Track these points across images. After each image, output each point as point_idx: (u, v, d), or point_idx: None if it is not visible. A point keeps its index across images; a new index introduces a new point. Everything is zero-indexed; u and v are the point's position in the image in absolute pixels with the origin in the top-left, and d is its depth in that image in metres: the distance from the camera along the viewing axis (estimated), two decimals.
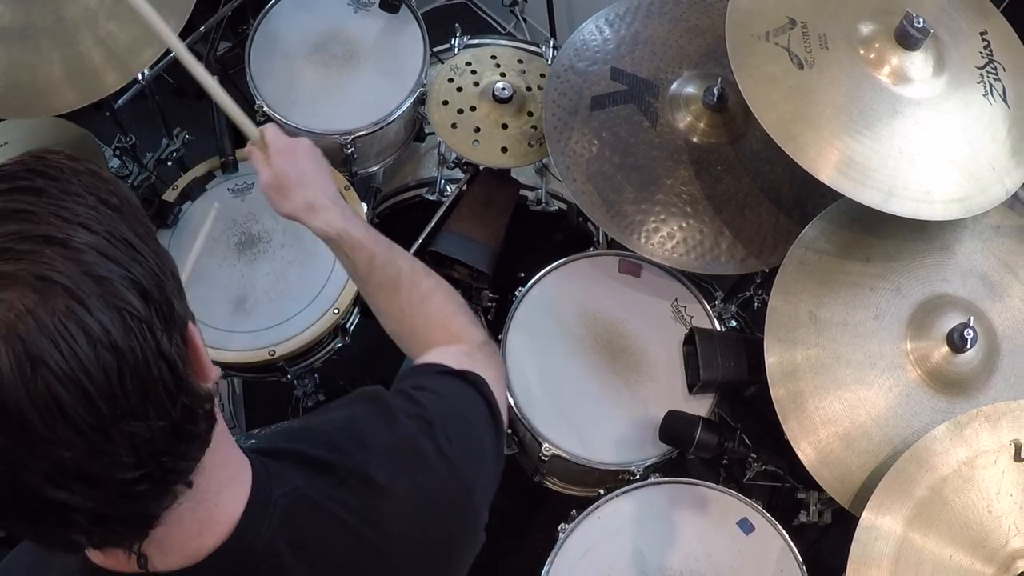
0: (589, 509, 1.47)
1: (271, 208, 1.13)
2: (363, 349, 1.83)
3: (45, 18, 1.52)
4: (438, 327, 1.05)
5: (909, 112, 1.36)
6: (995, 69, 1.44)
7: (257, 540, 0.75)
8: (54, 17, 1.52)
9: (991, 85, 1.43)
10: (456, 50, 1.91)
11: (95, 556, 0.72)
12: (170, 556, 0.71)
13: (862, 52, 1.39)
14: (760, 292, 1.85)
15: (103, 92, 1.56)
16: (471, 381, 0.95)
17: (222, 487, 0.73)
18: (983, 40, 1.46)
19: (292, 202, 1.11)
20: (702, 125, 1.61)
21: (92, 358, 0.58)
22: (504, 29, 2.89)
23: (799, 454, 1.34)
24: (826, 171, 1.30)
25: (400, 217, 1.97)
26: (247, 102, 1.81)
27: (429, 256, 1.77)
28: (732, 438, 1.50)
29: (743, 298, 1.88)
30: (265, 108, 1.78)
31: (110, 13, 1.53)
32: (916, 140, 1.35)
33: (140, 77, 1.76)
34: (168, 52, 1.75)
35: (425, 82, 1.83)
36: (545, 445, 1.53)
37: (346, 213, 1.11)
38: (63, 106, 1.55)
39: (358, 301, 1.73)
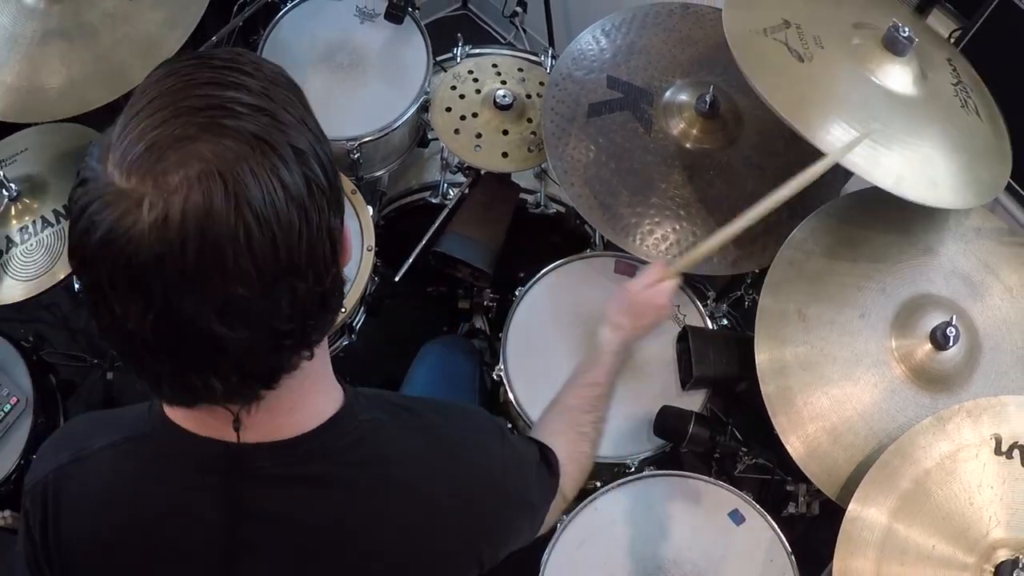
0: (586, 501, 1.47)
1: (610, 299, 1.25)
2: (368, 347, 1.83)
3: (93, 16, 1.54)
4: (563, 453, 1.09)
5: (904, 108, 1.37)
6: (966, 89, 1.47)
7: (333, 445, 0.80)
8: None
9: (965, 100, 1.45)
10: (458, 59, 1.91)
11: (185, 420, 0.78)
12: (251, 431, 0.76)
13: (855, 53, 1.39)
14: (751, 292, 1.85)
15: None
16: (551, 479, 1.03)
17: (318, 390, 0.80)
18: (951, 65, 1.50)
19: (623, 318, 1.22)
20: (695, 131, 1.61)
21: (285, 211, 0.64)
22: (504, 39, 2.89)
23: (788, 448, 1.34)
24: (838, 150, 1.27)
25: (405, 219, 1.96)
26: None
27: (433, 256, 1.77)
28: (724, 432, 1.50)
29: (734, 297, 1.88)
30: None
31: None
32: (914, 132, 1.35)
33: None
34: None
35: (428, 90, 1.83)
36: None
37: (623, 357, 1.22)
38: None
39: (364, 301, 1.73)
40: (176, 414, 0.78)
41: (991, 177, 1.42)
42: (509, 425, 1.70)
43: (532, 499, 0.98)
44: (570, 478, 1.10)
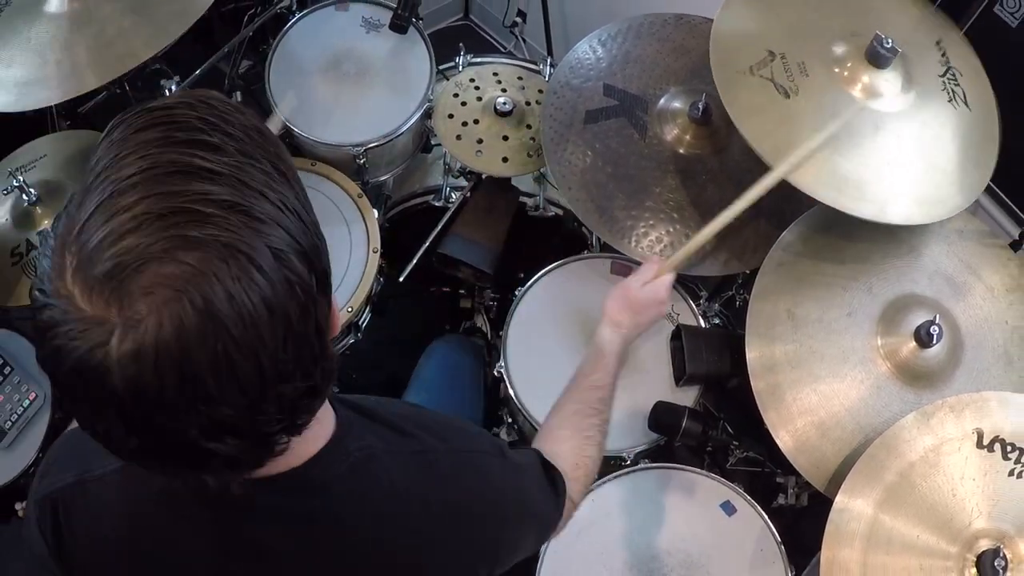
0: None
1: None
2: (373, 345, 1.83)
3: None
4: (569, 461, 1.08)
5: (889, 126, 1.36)
6: (954, 75, 1.44)
7: (321, 477, 0.76)
8: None
9: (953, 91, 1.43)
10: (460, 68, 1.91)
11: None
12: None
13: (837, 72, 1.39)
14: (742, 291, 1.84)
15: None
16: (555, 487, 1.00)
17: (311, 423, 0.73)
18: (939, 48, 1.47)
19: (623, 315, 1.21)
20: (688, 137, 1.61)
21: (267, 327, 0.57)
22: (505, 48, 2.89)
23: (778, 442, 1.34)
24: (825, 192, 1.29)
25: (409, 222, 1.97)
26: (267, 116, 1.81)
27: (436, 258, 1.77)
28: (716, 427, 1.50)
29: (726, 297, 1.88)
30: (284, 121, 1.78)
31: None
32: (899, 151, 1.35)
33: (168, 92, 1.76)
34: (194, 70, 1.76)
35: (432, 97, 1.82)
36: None
37: (622, 358, 1.21)
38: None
39: (369, 301, 1.73)
40: None
41: (978, 174, 1.41)
42: (510, 419, 1.70)
43: (536, 511, 0.96)
44: (577, 483, 1.09)
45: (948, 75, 1.44)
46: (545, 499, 0.98)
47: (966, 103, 1.43)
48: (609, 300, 1.25)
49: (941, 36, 1.49)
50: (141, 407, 0.56)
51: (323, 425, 0.77)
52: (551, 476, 1.00)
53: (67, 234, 0.57)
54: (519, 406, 1.56)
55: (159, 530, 0.78)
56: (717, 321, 1.82)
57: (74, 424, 0.87)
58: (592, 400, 1.15)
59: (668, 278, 1.25)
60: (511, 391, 1.57)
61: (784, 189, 1.30)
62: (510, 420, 1.70)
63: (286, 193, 0.61)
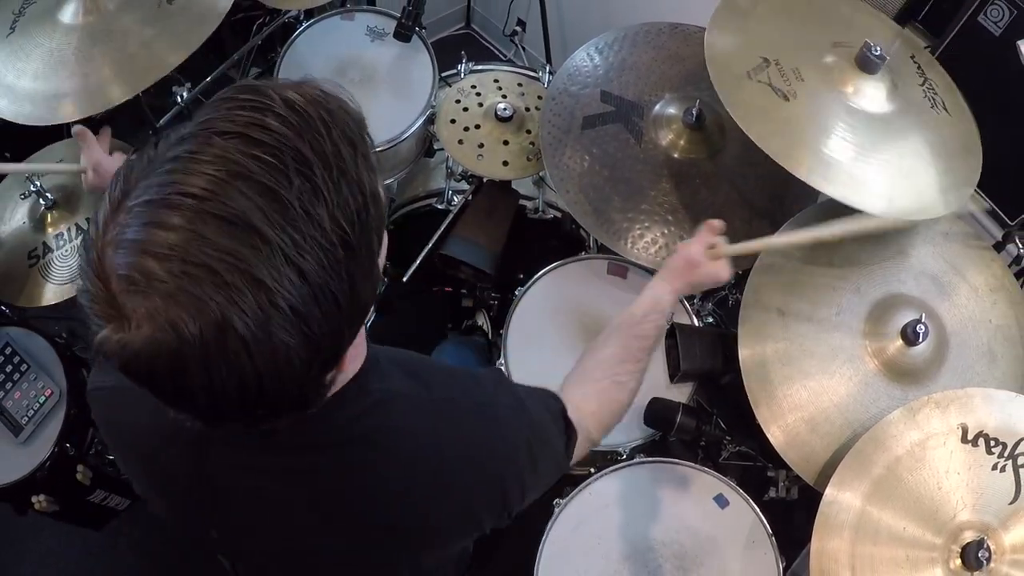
0: (581, 486, 1.47)
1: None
2: (377, 343, 1.82)
3: None
4: (593, 403, 1.07)
5: (882, 127, 1.37)
6: (932, 87, 1.45)
7: (340, 416, 0.76)
8: None
9: (933, 99, 1.44)
10: (462, 75, 1.91)
11: None
12: None
13: (832, 79, 1.39)
14: (734, 291, 1.85)
15: None
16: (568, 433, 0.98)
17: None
18: (914, 63, 1.48)
19: (680, 281, 1.20)
20: (682, 142, 1.61)
21: (254, 389, 0.60)
22: (505, 56, 2.90)
23: (769, 436, 1.34)
24: (835, 188, 1.29)
25: (412, 224, 1.96)
26: None
27: (439, 259, 1.77)
28: (709, 422, 1.50)
29: (719, 297, 1.88)
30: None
31: None
32: (895, 150, 1.35)
33: (180, 99, 1.76)
34: (205, 77, 1.76)
35: (434, 103, 1.82)
36: None
37: (667, 314, 1.19)
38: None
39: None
40: None
41: (966, 175, 1.40)
42: None
43: (546, 468, 0.94)
44: (599, 424, 1.07)
45: (926, 85, 1.45)
46: (555, 452, 0.96)
47: (946, 110, 1.43)
48: (673, 261, 1.22)
49: (914, 52, 1.51)
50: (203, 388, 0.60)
51: (354, 357, 0.76)
52: (568, 432, 0.98)
53: (119, 201, 0.59)
54: None
55: (155, 437, 0.81)
56: (710, 320, 1.83)
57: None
58: (634, 348, 1.12)
59: (727, 262, 1.23)
60: None
61: (775, 190, 1.30)
62: None
63: (331, 278, 0.61)
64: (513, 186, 1.86)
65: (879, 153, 1.34)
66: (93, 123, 1.49)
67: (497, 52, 2.99)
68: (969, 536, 1.15)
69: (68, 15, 1.52)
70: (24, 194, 1.65)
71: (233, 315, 0.56)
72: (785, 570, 1.39)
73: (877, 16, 1.57)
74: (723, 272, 1.22)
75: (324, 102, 0.63)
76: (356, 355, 0.77)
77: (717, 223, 1.25)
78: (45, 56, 1.49)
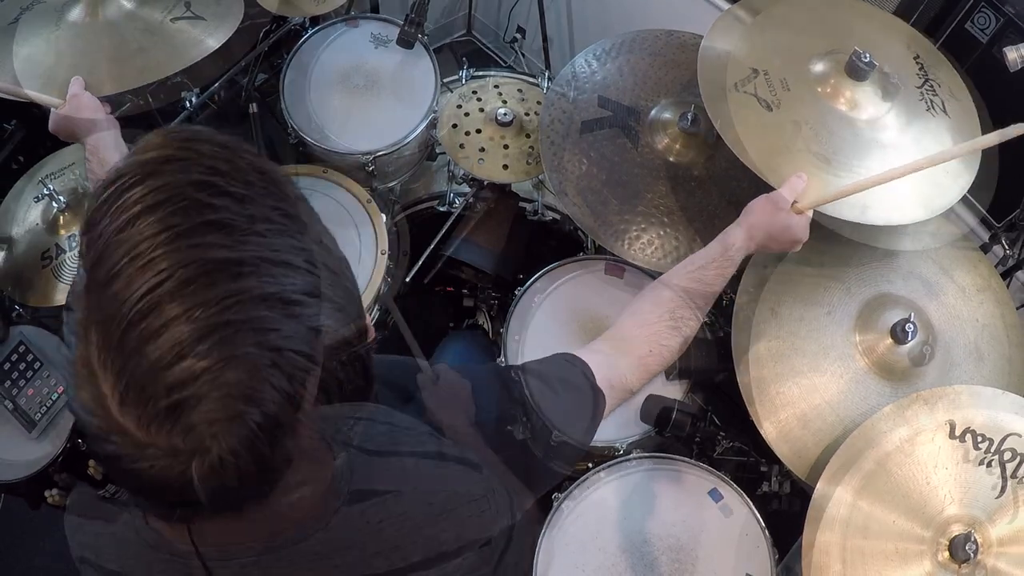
0: (579, 481, 1.47)
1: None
2: (382, 342, 1.82)
3: None
4: (644, 346, 1.03)
5: (869, 134, 1.36)
6: (932, 87, 1.44)
7: (303, 547, 0.70)
8: None
9: (931, 101, 1.42)
10: (463, 80, 1.91)
11: (164, 529, 0.70)
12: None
13: (819, 89, 1.38)
14: (728, 291, 1.84)
15: None
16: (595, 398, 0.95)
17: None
18: (917, 63, 1.47)
19: (760, 232, 1.16)
20: (678, 146, 1.61)
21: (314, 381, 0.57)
22: (505, 62, 2.89)
23: (762, 433, 1.34)
24: (808, 197, 1.27)
25: (415, 226, 1.97)
26: (282, 126, 1.82)
27: (441, 259, 1.77)
28: (704, 419, 1.50)
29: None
30: (297, 131, 1.78)
31: None
32: (879, 157, 1.35)
33: (188, 104, 1.76)
34: (215, 80, 1.76)
35: (436, 108, 1.83)
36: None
37: (735, 262, 1.14)
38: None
39: (377, 300, 1.73)
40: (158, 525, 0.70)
41: (957, 184, 1.39)
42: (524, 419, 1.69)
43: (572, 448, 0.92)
44: (643, 370, 1.03)
45: (927, 86, 1.44)
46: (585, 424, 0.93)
47: (944, 111, 1.43)
48: (756, 208, 1.15)
49: (918, 51, 1.49)
50: (222, 498, 0.55)
51: (317, 479, 0.68)
52: (596, 403, 0.95)
53: (102, 342, 0.52)
54: None
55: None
56: (705, 319, 1.82)
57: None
58: (696, 295, 1.06)
59: (808, 216, 1.17)
60: None
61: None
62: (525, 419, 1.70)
63: (307, 245, 0.58)
64: (513, 189, 1.86)
65: (864, 159, 1.33)
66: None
67: (497, 58, 2.99)
68: (957, 529, 1.15)
69: (75, 14, 1.53)
70: (38, 197, 1.65)
71: (278, 338, 0.54)
72: (778, 563, 1.39)
73: (883, 17, 1.55)
74: (802, 229, 1.15)
75: (167, 142, 0.57)
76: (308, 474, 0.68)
77: (804, 176, 1.17)
78: (42, 44, 1.50)
